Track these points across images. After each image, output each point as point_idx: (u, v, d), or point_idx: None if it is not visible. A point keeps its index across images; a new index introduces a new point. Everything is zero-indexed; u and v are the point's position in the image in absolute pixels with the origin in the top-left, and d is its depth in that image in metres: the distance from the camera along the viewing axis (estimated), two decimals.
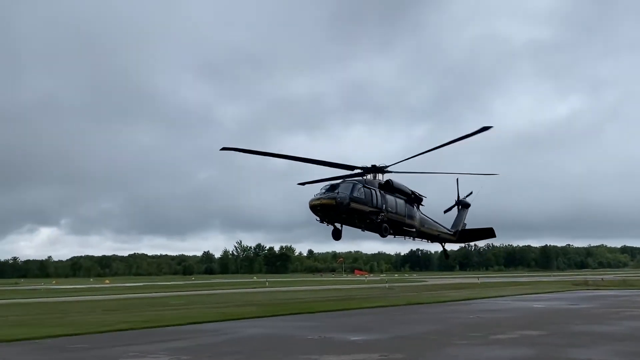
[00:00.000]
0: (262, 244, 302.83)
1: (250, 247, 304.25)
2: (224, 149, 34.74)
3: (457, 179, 45.11)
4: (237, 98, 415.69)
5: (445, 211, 46.11)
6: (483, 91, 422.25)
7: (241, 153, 36.91)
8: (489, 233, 47.11)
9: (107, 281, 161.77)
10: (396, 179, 38.00)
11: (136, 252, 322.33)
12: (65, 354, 18.80)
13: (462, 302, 43.08)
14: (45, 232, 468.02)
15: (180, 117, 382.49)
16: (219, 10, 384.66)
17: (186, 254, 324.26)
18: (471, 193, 45.72)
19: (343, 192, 33.43)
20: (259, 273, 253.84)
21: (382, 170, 36.75)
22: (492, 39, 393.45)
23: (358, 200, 33.53)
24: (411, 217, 38.38)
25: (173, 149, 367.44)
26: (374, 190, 35.11)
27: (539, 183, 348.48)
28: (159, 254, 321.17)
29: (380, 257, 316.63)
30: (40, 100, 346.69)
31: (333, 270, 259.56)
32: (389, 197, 36.11)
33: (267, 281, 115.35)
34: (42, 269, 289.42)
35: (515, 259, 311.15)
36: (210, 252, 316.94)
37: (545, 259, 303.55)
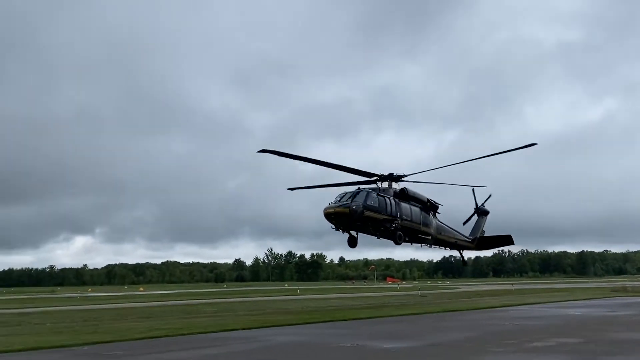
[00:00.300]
0: (292, 252, 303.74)
1: (281, 255, 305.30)
2: (262, 151, 35.43)
3: (473, 189, 45.26)
4: (267, 106, 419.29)
5: (465, 222, 45.95)
6: (514, 95, 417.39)
7: (276, 157, 37.18)
8: (507, 240, 47.27)
9: (141, 289, 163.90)
10: (413, 187, 38.24)
11: (169, 259, 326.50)
12: None
13: (497, 309, 42.40)
14: (81, 241, 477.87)
15: (211, 126, 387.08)
16: (246, 19, 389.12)
17: (218, 261, 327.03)
18: (490, 196, 45.76)
19: (357, 200, 33.70)
20: (290, 281, 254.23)
21: (398, 178, 37.04)
22: (522, 42, 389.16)
23: (372, 208, 33.84)
24: (426, 224, 38.51)
25: (204, 157, 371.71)
26: (389, 198, 35.34)
27: (574, 188, 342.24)
28: (191, 262, 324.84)
29: (412, 264, 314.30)
30: (74, 112, 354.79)
31: (365, 278, 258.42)
32: (404, 205, 36.33)
33: (298, 289, 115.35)
34: (78, 277, 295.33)
35: (550, 265, 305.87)
36: (242, 259, 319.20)
37: (582, 265, 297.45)
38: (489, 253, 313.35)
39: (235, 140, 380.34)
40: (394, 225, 34.97)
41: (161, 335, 26.19)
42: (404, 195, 36.82)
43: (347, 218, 33.43)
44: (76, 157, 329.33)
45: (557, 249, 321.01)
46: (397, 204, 35.73)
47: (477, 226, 46.03)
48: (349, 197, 33.93)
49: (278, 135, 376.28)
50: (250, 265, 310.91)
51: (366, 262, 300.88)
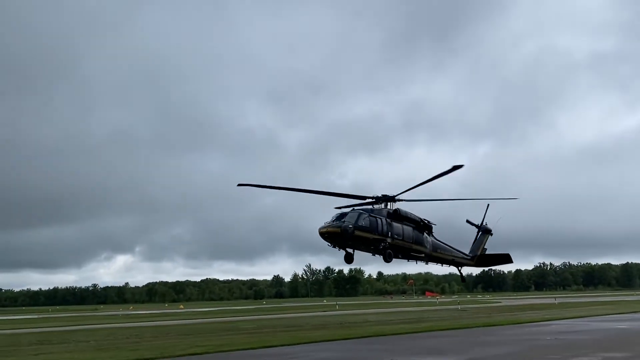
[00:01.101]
0: (331, 267, 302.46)
1: (320, 271, 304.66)
2: (240, 185, 37.85)
3: (488, 205, 46.25)
4: (300, 123, 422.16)
5: (468, 222, 47.33)
6: (546, 105, 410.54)
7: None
8: (506, 259, 47.93)
9: (181, 306, 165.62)
10: (406, 207, 39.64)
11: (208, 277, 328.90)
12: None
13: (539, 323, 41.61)
14: (122, 260, 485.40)
15: (246, 144, 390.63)
16: (278, 38, 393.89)
17: (256, 278, 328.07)
18: (500, 219, 47.26)
19: (349, 220, 35.45)
20: (329, 296, 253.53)
21: (392, 199, 38.53)
22: (552, 52, 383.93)
23: (362, 228, 35.54)
24: (419, 243, 39.95)
25: (240, 174, 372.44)
26: (380, 218, 37.12)
27: (613, 198, 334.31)
28: (230, 279, 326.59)
29: (451, 278, 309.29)
30: (110, 134, 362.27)
31: (404, 292, 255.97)
32: (396, 225, 37.91)
33: (337, 304, 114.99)
34: (119, 295, 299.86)
35: (594, 277, 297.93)
36: (280, 276, 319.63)
37: (627, 277, 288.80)
38: (530, 266, 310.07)
39: (270, 157, 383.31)
40: (382, 244, 36.68)
41: (201, 352, 26.51)
42: (397, 216, 38.49)
43: (339, 237, 35.11)
44: (114, 178, 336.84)
45: (601, 261, 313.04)
46: (389, 224, 37.52)
47: (479, 243, 47.07)
48: (343, 218, 35.94)
49: (312, 151, 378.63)
50: (289, 282, 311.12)
51: (404, 277, 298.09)
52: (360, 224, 35.58)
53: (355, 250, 37.34)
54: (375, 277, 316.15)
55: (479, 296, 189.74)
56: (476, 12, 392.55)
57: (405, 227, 38.80)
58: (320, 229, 35.54)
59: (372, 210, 37.51)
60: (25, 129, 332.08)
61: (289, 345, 29.09)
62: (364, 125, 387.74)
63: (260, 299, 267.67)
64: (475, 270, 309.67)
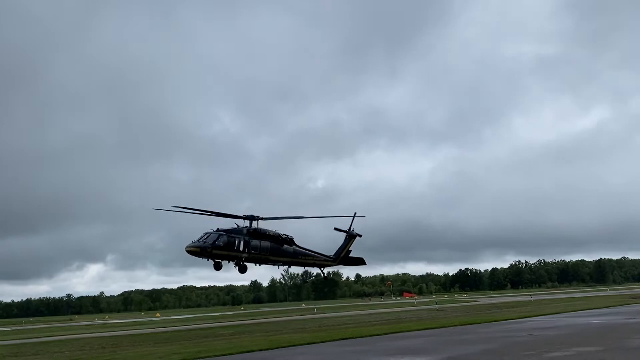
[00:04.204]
0: (309, 271, 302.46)
1: (298, 275, 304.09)
2: (174, 207, 43.08)
3: (355, 213, 52.41)
4: (264, 130, 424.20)
5: (336, 229, 52.77)
6: (501, 109, 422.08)
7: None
8: (361, 261, 54.93)
9: (158, 314, 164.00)
10: (266, 225, 47.18)
11: (185, 284, 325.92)
12: None
13: (515, 320, 42.13)
14: (94, 269, 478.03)
15: (212, 151, 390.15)
16: (238, 46, 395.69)
17: (234, 284, 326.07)
18: (360, 236, 53.04)
19: (208, 241, 42.89)
20: (307, 300, 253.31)
21: (257, 218, 45.91)
22: (500, 57, 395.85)
23: (219, 247, 43.06)
24: (277, 254, 47.27)
25: (208, 181, 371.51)
26: (238, 237, 44.58)
27: (577, 196, 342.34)
28: (207, 285, 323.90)
29: (428, 278, 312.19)
30: (74, 142, 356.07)
31: (382, 294, 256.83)
32: (254, 242, 45.38)
33: (315, 307, 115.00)
34: (95, 304, 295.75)
35: (568, 274, 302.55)
36: (258, 281, 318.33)
37: (600, 273, 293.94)
38: (505, 265, 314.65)
39: (237, 164, 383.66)
40: (237, 258, 44.25)
41: (179, 359, 26.30)
42: (255, 234, 45.66)
43: (199, 254, 42.64)
44: (80, 187, 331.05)
45: (574, 258, 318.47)
46: (247, 242, 44.92)
47: (344, 246, 53.14)
48: (205, 238, 43.21)
49: (278, 158, 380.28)
50: (267, 287, 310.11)
51: (382, 278, 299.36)
52: (217, 244, 43.11)
53: (222, 261, 44.75)
54: (353, 279, 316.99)
55: (456, 295, 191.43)
56: (427, 20, 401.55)
57: (262, 242, 46.11)
58: (186, 247, 42.98)
59: (233, 230, 44.94)
60: None
61: (267, 349, 29.02)
62: (326, 132, 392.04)
63: (238, 304, 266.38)
64: (452, 270, 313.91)
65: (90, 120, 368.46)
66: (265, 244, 46.48)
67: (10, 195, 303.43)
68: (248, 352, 28.28)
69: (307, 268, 54.37)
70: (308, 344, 31.20)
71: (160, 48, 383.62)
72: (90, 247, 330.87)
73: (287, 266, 50.62)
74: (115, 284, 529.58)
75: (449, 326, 38.96)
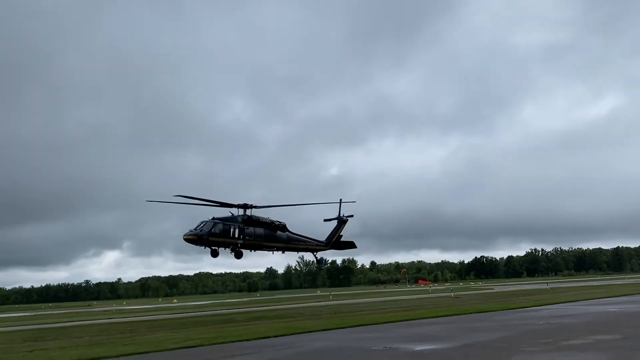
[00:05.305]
0: (324, 258, 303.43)
1: (313, 262, 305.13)
2: (176, 196, 44.30)
3: (340, 199, 55.87)
4: (275, 118, 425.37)
5: (325, 220, 56.43)
6: (511, 97, 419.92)
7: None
8: (351, 245, 58.26)
9: (175, 300, 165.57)
10: (259, 213, 49.36)
11: (201, 271, 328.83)
12: None
13: (531, 308, 41.91)
14: (111, 255, 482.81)
15: (223, 139, 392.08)
16: (249, 35, 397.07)
17: (250, 270, 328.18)
18: (352, 216, 56.61)
19: (205, 229, 44.99)
20: (322, 287, 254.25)
21: (251, 207, 47.99)
22: (511, 45, 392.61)
23: (216, 234, 45.18)
24: (271, 240, 49.68)
25: (219, 170, 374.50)
26: (234, 225, 46.55)
27: (592, 184, 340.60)
28: (223, 272, 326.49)
29: (444, 266, 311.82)
30: (89, 131, 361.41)
31: (397, 281, 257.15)
32: (248, 229, 47.39)
33: (330, 294, 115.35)
34: (112, 290, 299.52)
35: (585, 262, 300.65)
36: (273, 268, 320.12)
37: (618, 262, 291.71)
38: (521, 253, 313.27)
39: (249, 152, 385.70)
40: (233, 245, 46.38)
41: (195, 344, 26.53)
42: (250, 221, 47.78)
43: (196, 242, 44.75)
44: (96, 175, 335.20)
45: (592, 246, 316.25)
46: (242, 229, 46.92)
47: (335, 231, 56.30)
48: (201, 226, 45.16)
49: (290, 146, 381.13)
50: (282, 274, 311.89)
51: (397, 266, 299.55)
52: (213, 231, 45.13)
53: (219, 248, 46.71)
54: (368, 266, 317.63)
55: (471, 283, 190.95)
56: (436, 7, 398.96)
57: (256, 229, 48.20)
58: (183, 235, 44.93)
59: (228, 218, 46.93)
60: (1, 130, 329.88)
61: (283, 335, 29.16)
62: (337, 120, 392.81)
63: (254, 291, 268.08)
64: (467, 258, 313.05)
65: (104, 110, 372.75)
66: (260, 230, 48.62)
67: (29, 183, 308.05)
68: (264, 337, 28.42)
69: (297, 252, 56.61)
70: (324, 330, 31.29)
71: (172, 37, 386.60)
72: (107, 234, 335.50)
73: (281, 251, 52.47)
74: (132, 270, 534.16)
75: (464, 314, 38.85)
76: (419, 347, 21.06)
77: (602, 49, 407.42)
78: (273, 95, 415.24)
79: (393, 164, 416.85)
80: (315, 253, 57.84)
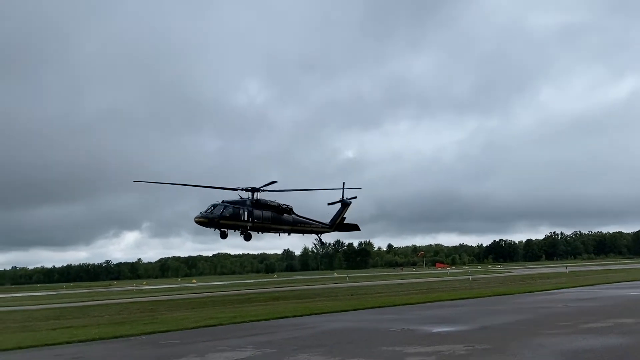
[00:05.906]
0: (341, 240, 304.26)
1: (330, 244, 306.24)
2: (136, 181, 50.84)
3: (344, 183, 57.55)
4: (289, 100, 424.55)
5: (329, 204, 57.88)
6: (528, 79, 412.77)
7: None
8: (355, 227, 60.00)
9: (194, 280, 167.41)
10: (267, 196, 50.66)
11: (219, 252, 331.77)
12: (159, 349, 19.64)
13: (551, 291, 41.73)
14: (131, 236, 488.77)
15: (239, 122, 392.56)
16: (264, 17, 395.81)
17: (267, 252, 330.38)
18: (355, 197, 58.33)
19: (215, 212, 46.29)
20: (339, 269, 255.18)
21: (258, 190, 48.98)
22: (528, 26, 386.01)
23: (226, 217, 46.46)
24: (278, 222, 51.08)
25: (235, 152, 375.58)
26: (243, 208, 47.81)
27: (611, 167, 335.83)
28: (241, 253, 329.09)
29: (461, 249, 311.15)
30: (107, 113, 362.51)
31: (414, 264, 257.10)
32: (257, 212, 48.66)
33: (347, 276, 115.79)
34: (133, 270, 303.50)
35: (605, 246, 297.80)
36: (290, 249, 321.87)
37: (639, 246, 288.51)
38: (540, 236, 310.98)
39: (264, 134, 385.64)
40: (242, 227, 47.67)
41: (215, 323, 26.85)
42: (258, 204, 49.00)
43: (207, 224, 46.11)
44: (115, 157, 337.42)
45: (612, 229, 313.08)
46: (250, 212, 48.08)
47: (338, 214, 57.79)
48: (212, 209, 46.38)
49: (305, 128, 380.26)
50: (300, 255, 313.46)
51: (415, 249, 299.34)
52: (224, 214, 46.27)
53: (228, 230, 47.92)
54: (385, 249, 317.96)
55: (489, 266, 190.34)
56: None
57: (264, 212, 49.51)
58: (194, 218, 46.18)
59: (238, 202, 48.18)
60: (19, 112, 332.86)
61: (301, 316, 29.38)
62: (352, 102, 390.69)
63: (272, 272, 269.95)
64: (485, 242, 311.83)
65: (122, 93, 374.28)
66: (267, 213, 50.04)
67: (49, 165, 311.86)
68: (283, 317, 28.68)
69: (303, 235, 58.06)
70: (341, 311, 31.47)
71: (188, 20, 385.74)
72: (126, 215, 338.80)
73: (287, 233, 53.93)
74: (152, 251, 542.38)
75: (482, 296, 38.78)
76: (436, 329, 21.08)
77: (622, 30, 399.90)
78: (288, 77, 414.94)
79: (409, 147, 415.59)
80: (319, 235, 59.54)
